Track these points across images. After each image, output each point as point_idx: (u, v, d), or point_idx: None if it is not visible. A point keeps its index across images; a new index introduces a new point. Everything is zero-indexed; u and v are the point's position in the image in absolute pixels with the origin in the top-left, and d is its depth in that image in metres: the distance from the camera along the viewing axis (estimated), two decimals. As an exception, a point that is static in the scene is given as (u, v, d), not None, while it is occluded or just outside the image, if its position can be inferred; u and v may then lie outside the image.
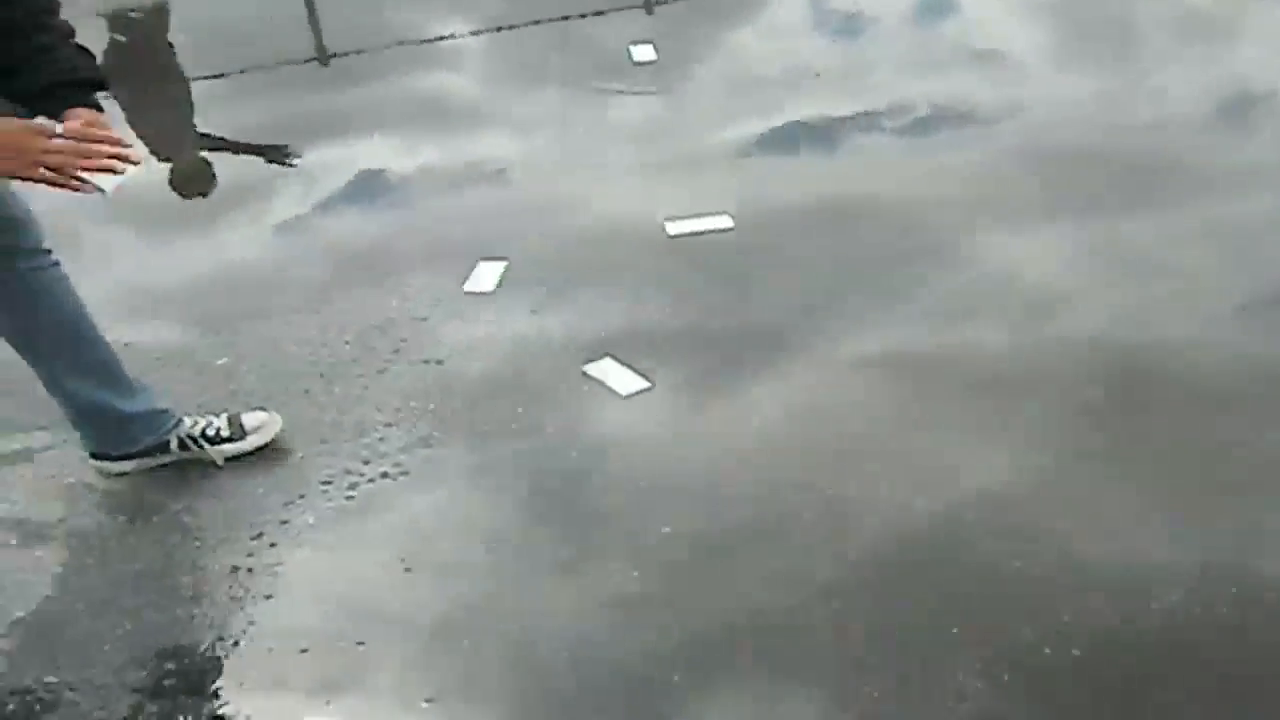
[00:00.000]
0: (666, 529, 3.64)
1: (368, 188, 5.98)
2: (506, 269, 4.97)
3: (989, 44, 6.93)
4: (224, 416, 4.08)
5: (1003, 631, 3.20)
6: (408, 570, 3.59)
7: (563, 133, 6.26)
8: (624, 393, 4.25)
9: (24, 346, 3.79)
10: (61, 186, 3.10)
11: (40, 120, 3.11)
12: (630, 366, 4.36)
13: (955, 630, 3.21)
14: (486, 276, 4.92)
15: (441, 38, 7.92)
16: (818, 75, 6.66)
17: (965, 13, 7.50)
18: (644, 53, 6.78)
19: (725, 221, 5.16)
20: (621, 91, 6.54)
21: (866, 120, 6.14)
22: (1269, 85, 6.18)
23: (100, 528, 3.88)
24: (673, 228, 5.16)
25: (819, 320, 4.56)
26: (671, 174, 5.75)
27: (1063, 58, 6.75)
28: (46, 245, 3.69)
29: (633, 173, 5.80)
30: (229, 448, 4.04)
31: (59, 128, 3.08)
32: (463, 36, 7.91)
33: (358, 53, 7.83)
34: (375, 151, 6.35)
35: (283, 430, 4.12)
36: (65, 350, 3.81)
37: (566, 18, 7.72)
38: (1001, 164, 5.59)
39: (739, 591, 3.40)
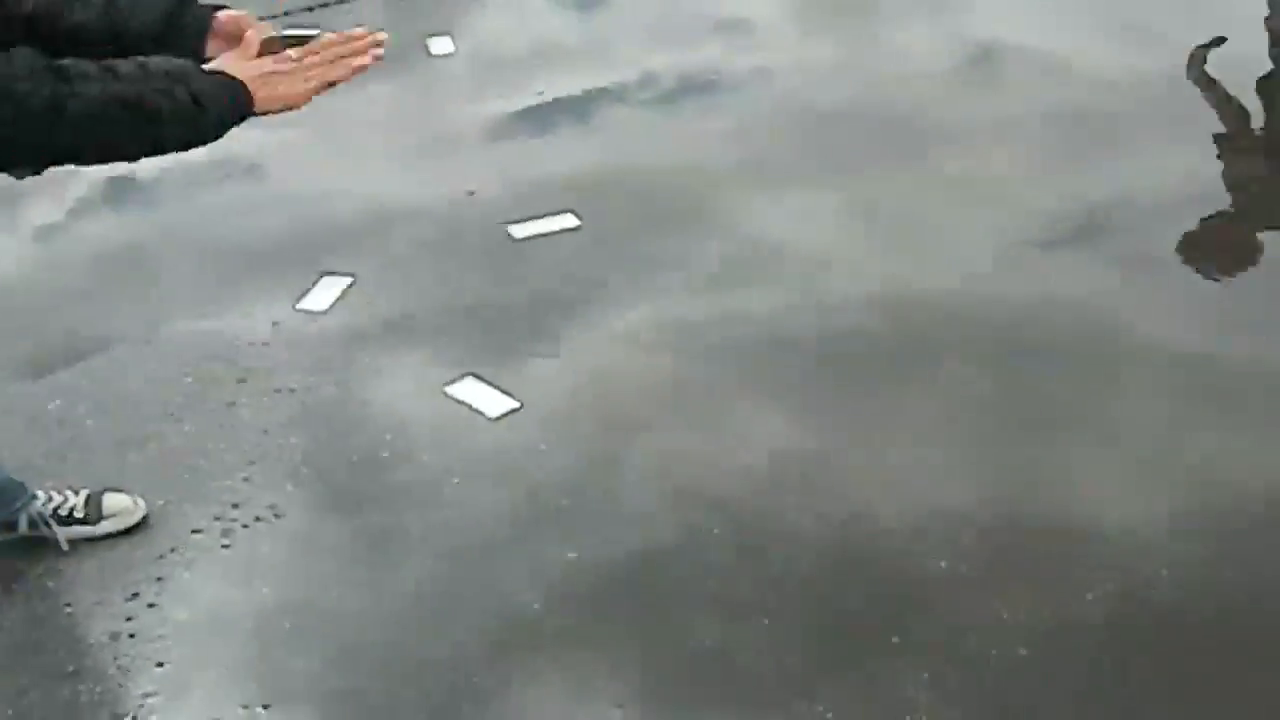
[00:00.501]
0: (572, 555, 3.51)
1: (143, 194, 5.68)
2: (350, 286, 4.74)
3: (731, 13, 6.90)
4: (83, 494, 3.77)
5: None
6: (297, 622, 3.43)
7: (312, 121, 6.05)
8: (493, 414, 4.10)
9: None
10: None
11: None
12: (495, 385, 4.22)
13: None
14: (324, 293, 4.70)
15: None
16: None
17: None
18: (442, 45, 6.54)
19: (570, 221, 5.00)
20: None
21: (616, 93, 6.13)
22: (1005, 40, 6.38)
23: (-40, 604, 3.61)
24: (518, 231, 4.98)
25: (592, 296, 4.63)
26: (427, 158, 5.69)
27: (805, 23, 6.79)
28: None
29: (391, 157, 5.72)
30: (78, 530, 3.74)
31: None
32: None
33: None
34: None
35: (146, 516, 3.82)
36: None
37: (311, 9, 7.46)
38: (754, 130, 5.69)
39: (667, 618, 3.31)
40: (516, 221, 5.02)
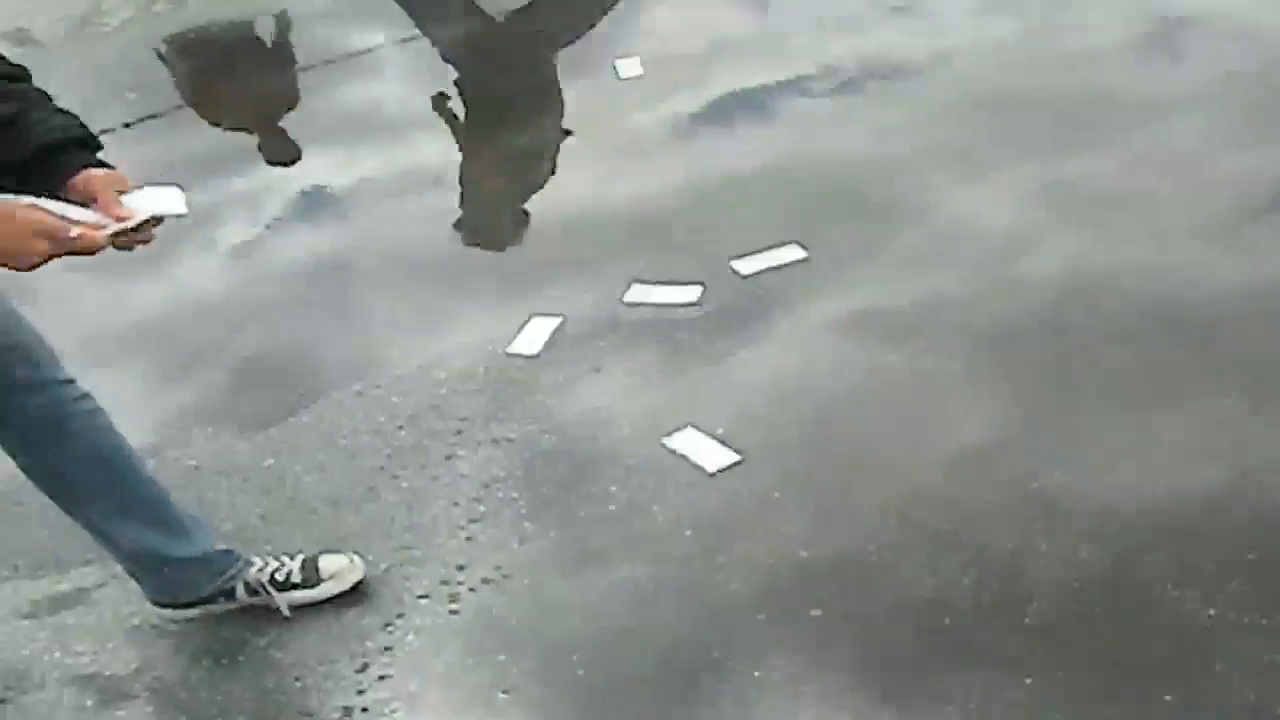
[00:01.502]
0: (816, 612, 3.35)
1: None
2: (560, 326, 4.63)
3: None
4: (299, 559, 3.69)
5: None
6: (539, 692, 3.32)
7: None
8: (711, 469, 3.96)
9: (57, 492, 3.43)
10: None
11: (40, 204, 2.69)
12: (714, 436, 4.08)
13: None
14: (534, 335, 4.59)
15: (372, 49, 7.51)
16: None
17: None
18: (630, 67, 6.41)
19: (797, 253, 4.82)
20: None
21: (797, 85, 6.08)
22: (1191, 7, 6.26)
23: (184, 677, 3.57)
24: (744, 266, 4.79)
25: (793, 285, 4.65)
26: (616, 159, 5.67)
27: (980, 3, 6.70)
28: (65, 375, 3.29)
29: (584, 160, 5.72)
30: (299, 595, 3.67)
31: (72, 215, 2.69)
32: (393, 45, 7.51)
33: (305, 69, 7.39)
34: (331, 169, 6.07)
35: (364, 578, 3.73)
36: (103, 494, 3.43)
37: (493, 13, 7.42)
38: (939, 114, 5.63)
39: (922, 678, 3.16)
40: (740, 256, 4.82)
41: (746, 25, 6.83)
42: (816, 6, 6.88)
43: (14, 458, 3.30)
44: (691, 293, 4.66)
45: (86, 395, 3.33)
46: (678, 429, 4.10)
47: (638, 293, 4.71)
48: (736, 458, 3.97)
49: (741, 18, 6.90)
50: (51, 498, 3.44)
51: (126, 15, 8.01)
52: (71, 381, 3.29)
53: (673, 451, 4.03)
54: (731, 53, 6.50)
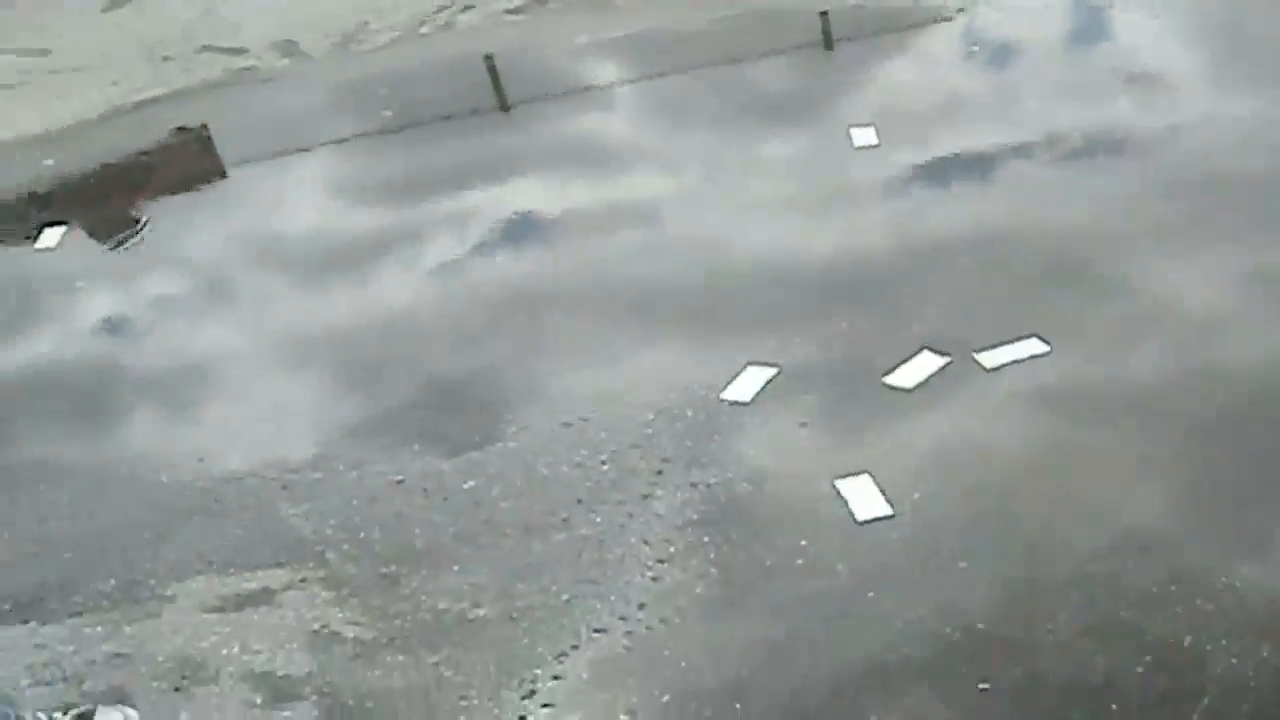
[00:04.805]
0: (984, 685, 3.37)
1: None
2: (775, 377, 4.67)
3: (1143, 68, 6.64)
4: (71, 714, 3.62)
5: None
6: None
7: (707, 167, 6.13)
8: (861, 517, 4.03)
9: None
10: None
11: None
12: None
13: None
14: (749, 383, 4.65)
15: (612, 84, 7.60)
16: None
17: (1119, 37, 7.13)
18: (865, 136, 6.35)
19: (1039, 346, 4.70)
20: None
21: (1021, 150, 5.98)
22: None
23: (355, 685, 3.72)
24: (989, 359, 4.68)
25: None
26: (835, 213, 5.66)
27: (1222, 77, 6.46)
28: None
29: (791, 207, 5.73)
30: None
31: None
32: (631, 82, 7.62)
33: (536, 100, 7.53)
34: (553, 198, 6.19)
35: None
36: None
37: (736, 61, 7.45)
38: (1160, 191, 5.50)
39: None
40: (983, 349, 4.70)
41: (978, 86, 6.80)
42: (1052, 71, 6.80)
43: None
44: (936, 361, 4.66)
45: None
46: (881, 494, 4.12)
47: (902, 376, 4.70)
48: (889, 511, 4.03)
49: (974, 79, 6.87)
50: None
51: (393, 35, 8.28)
52: None
53: (869, 520, 4.04)
54: (960, 114, 6.45)
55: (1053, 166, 5.87)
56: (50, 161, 7.29)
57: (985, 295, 4.94)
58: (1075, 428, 4.25)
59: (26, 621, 4.15)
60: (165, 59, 8.39)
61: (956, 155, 6.01)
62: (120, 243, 6.38)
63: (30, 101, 8.14)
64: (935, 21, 7.29)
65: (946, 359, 4.62)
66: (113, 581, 4.25)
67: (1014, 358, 4.62)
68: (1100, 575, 3.69)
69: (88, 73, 8.39)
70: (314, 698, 3.70)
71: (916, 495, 4.08)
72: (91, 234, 6.60)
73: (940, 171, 5.92)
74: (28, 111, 7.98)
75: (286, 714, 3.66)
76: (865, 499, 4.09)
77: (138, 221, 6.52)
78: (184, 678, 3.80)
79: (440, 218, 6.16)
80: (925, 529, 3.96)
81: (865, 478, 4.16)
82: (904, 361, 4.65)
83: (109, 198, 7.00)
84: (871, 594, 3.75)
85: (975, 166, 5.94)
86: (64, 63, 8.63)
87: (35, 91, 8.30)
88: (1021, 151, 5.99)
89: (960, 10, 7.33)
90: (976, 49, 7.04)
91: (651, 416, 4.60)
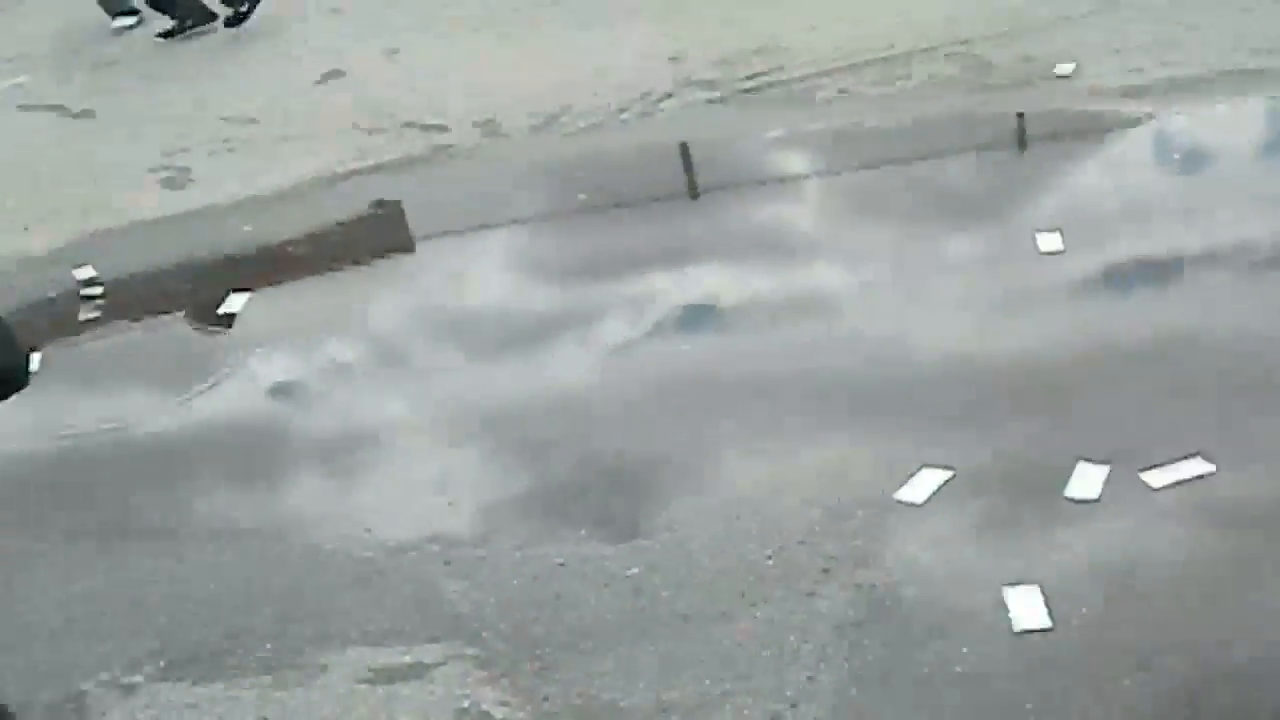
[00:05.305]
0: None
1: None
2: (949, 480, 4.58)
3: None
4: None
5: None
6: None
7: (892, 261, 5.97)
8: (1019, 628, 3.95)
9: None
10: None
11: None
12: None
13: None
14: (922, 485, 4.56)
15: (803, 177, 7.61)
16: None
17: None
18: (1050, 242, 6.16)
19: (1205, 466, 4.55)
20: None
21: (1209, 259, 5.87)
22: None
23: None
24: (1155, 479, 4.53)
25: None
26: (1007, 317, 5.60)
27: None
28: None
29: (971, 308, 5.66)
30: None
31: None
32: (821, 176, 7.59)
33: (727, 189, 7.54)
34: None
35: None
36: None
37: (929, 159, 7.38)
38: None
39: None
40: (1148, 468, 4.56)
41: (1168, 192, 6.65)
42: (1244, 179, 6.66)
43: None
44: (1105, 473, 4.55)
45: None
46: (1044, 606, 4.02)
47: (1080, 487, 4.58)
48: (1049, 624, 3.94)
49: (1164, 185, 6.73)
50: None
51: (595, 119, 8.34)
52: None
53: (1025, 630, 3.95)
54: (1148, 220, 6.31)
55: (1242, 276, 5.73)
56: (249, 228, 7.44)
57: (1162, 407, 4.82)
58: (1247, 547, 4.12)
59: (181, 680, 4.18)
60: (369, 133, 8.54)
61: (1142, 261, 5.91)
62: (302, 310, 6.49)
63: (236, 169, 8.34)
64: (1129, 126, 7.14)
65: (1110, 468, 4.50)
66: (269, 646, 4.27)
67: (1178, 478, 4.48)
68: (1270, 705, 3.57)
69: (293, 143, 8.58)
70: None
71: (1084, 610, 3.96)
72: (277, 301, 6.71)
73: (1125, 278, 5.83)
74: (232, 178, 8.16)
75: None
76: (1028, 609, 3.99)
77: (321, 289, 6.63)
78: (326, 748, 3.81)
79: (620, 300, 6.18)
80: (1087, 645, 3.85)
81: (1034, 588, 4.05)
82: (1076, 473, 4.49)
83: (300, 266, 7.12)
84: (1029, 705, 3.65)
85: (1161, 273, 5.85)
86: (271, 132, 8.84)
87: (241, 159, 8.51)
88: (1209, 260, 5.86)
89: (1150, 116, 7.15)
90: (1177, 157, 6.87)
91: (819, 513, 4.52)
